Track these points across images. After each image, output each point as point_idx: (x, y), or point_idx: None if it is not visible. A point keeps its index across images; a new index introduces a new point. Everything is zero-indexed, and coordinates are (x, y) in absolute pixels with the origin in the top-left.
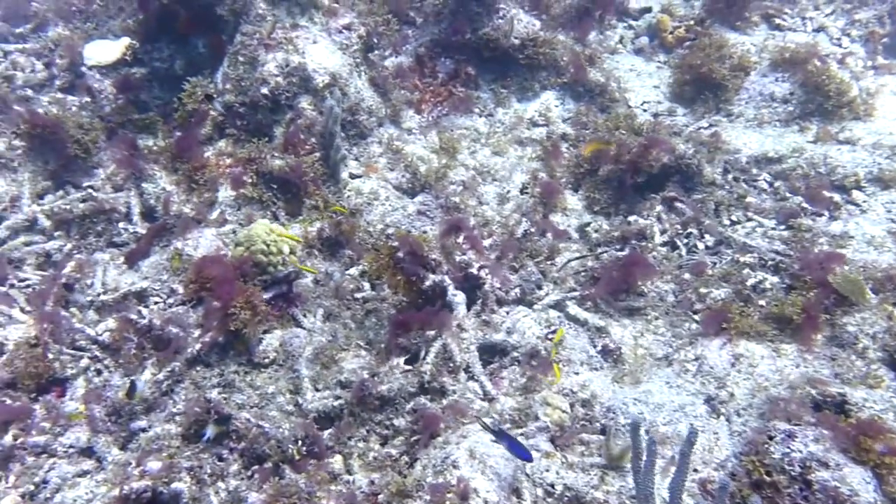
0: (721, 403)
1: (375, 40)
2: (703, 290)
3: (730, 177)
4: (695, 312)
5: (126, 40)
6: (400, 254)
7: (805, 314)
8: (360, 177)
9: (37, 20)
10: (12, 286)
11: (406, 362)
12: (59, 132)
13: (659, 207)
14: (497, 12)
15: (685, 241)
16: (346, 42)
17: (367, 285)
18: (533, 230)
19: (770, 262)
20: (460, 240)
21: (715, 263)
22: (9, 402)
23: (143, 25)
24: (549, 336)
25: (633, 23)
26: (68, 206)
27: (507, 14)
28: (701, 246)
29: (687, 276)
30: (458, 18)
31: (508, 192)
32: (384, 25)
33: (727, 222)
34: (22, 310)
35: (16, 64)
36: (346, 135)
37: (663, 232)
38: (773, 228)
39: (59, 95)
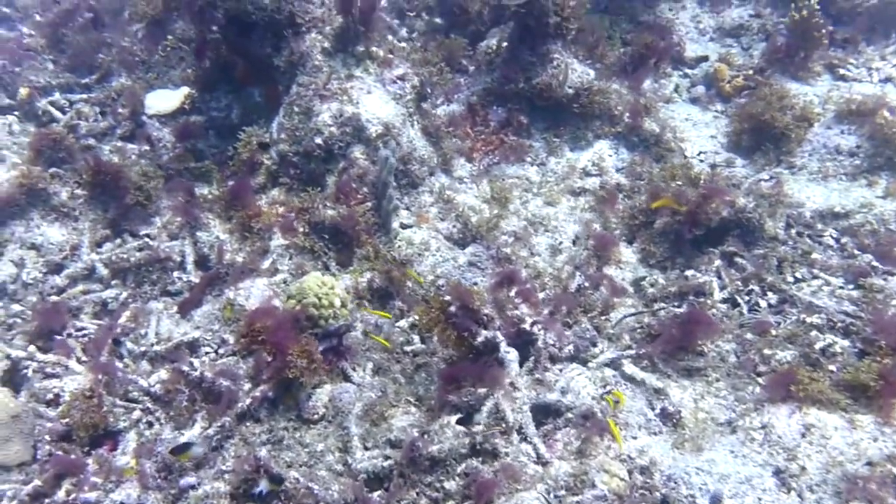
0: (791, 477)
1: (429, 90)
2: (767, 352)
3: (793, 232)
4: (758, 375)
5: (185, 90)
6: (452, 308)
7: (882, 382)
8: (411, 227)
9: (102, 71)
10: (70, 335)
11: (457, 420)
12: (120, 180)
13: (718, 262)
14: (551, 62)
15: (746, 298)
16: (400, 92)
17: (416, 338)
18: (587, 284)
19: (839, 324)
20: (513, 293)
21: (779, 323)
22: (63, 454)
23: (201, 75)
24: (605, 395)
25: (689, 71)
26: (125, 255)
27: (561, 63)
28: (763, 304)
29: (749, 335)
30: (511, 67)
31: (561, 243)
32: (437, 74)
33: (791, 280)
34: (78, 360)
35: (80, 113)
36: (397, 184)
37: (723, 288)
38: (842, 288)
39: (120, 144)
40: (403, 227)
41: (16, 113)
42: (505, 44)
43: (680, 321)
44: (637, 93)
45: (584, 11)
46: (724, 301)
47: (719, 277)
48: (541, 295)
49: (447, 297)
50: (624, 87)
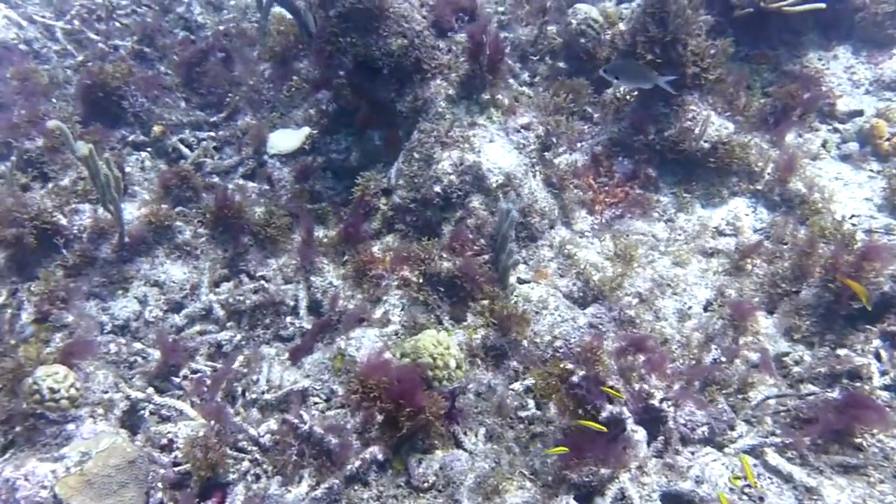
0: None
1: (554, 140)
2: None
3: None
4: None
5: (306, 130)
6: (575, 378)
7: None
8: (528, 282)
9: (229, 109)
10: (185, 377)
11: (576, 499)
12: (241, 219)
13: (877, 342)
14: (686, 114)
15: None
16: (524, 142)
17: (531, 402)
18: (722, 356)
19: None
20: (640, 361)
21: None
22: None
23: (323, 116)
24: (746, 488)
25: (840, 126)
26: (241, 297)
27: (697, 116)
28: None
29: None
30: (641, 117)
31: (690, 308)
32: (562, 124)
33: None
34: (192, 404)
35: (207, 151)
36: (516, 236)
37: (883, 373)
38: None
39: (242, 182)
40: (521, 282)
41: (148, 150)
42: (635, 92)
43: (837, 406)
44: (780, 148)
45: (724, 60)
46: (886, 388)
47: (878, 360)
48: (670, 366)
49: (569, 365)
50: (765, 141)
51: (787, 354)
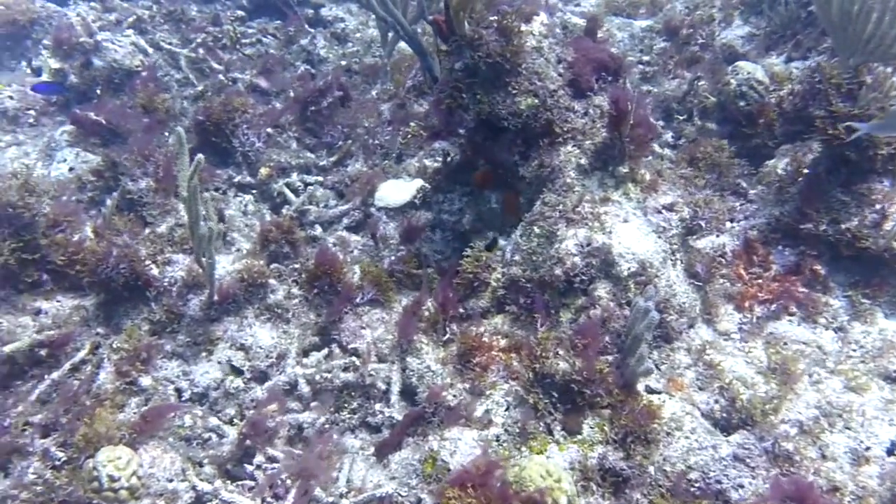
0: None
1: (701, 224)
2: None
3: None
4: None
5: (419, 182)
6: None
7: None
8: (659, 393)
9: (341, 153)
10: (258, 467)
11: None
12: (339, 281)
13: None
14: (872, 204)
15: None
16: (664, 224)
17: None
18: None
19: None
20: None
21: None
22: None
23: (437, 172)
24: None
25: None
26: (330, 374)
27: (887, 210)
28: None
29: None
30: (811, 201)
31: (868, 448)
32: (716, 202)
33: None
34: (263, 501)
35: (312, 197)
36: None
37: None
38: None
39: (345, 234)
40: (650, 391)
41: (253, 192)
42: (805, 170)
43: None
44: None
45: None
46: None
47: None
48: None
49: None
50: None
51: None
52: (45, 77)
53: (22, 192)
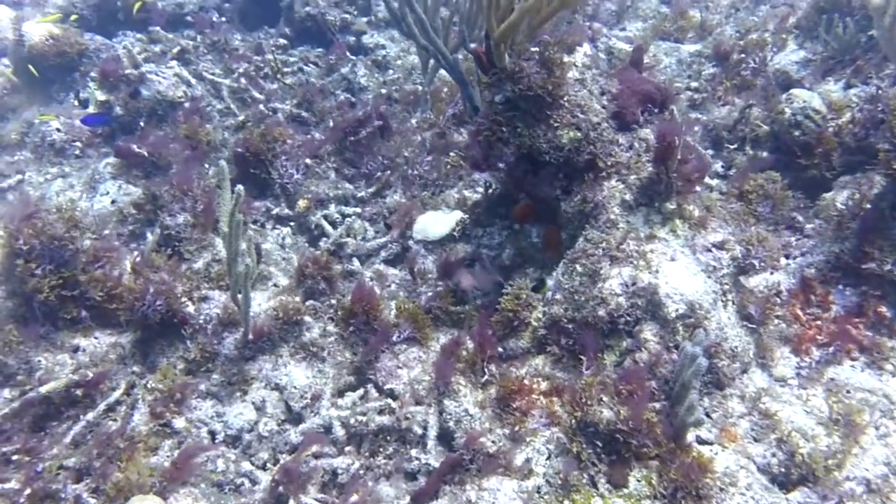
0: None
1: (754, 263)
2: None
3: None
4: None
5: (458, 214)
6: None
7: None
8: (710, 444)
9: (379, 184)
10: None
11: None
12: (375, 319)
13: None
14: None
15: None
16: (715, 263)
17: None
18: None
19: None
20: None
21: None
22: None
23: (476, 205)
24: None
25: None
26: (365, 417)
27: None
28: None
29: None
30: (873, 238)
31: None
32: (770, 240)
33: None
34: None
35: (350, 229)
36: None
37: None
38: None
39: (382, 268)
40: (701, 442)
41: (291, 224)
42: (867, 205)
43: None
44: None
45: None
46: None
47: None
48: None
49: None
50: None
51: None
52: (91, 109)
53: (69, 226)
